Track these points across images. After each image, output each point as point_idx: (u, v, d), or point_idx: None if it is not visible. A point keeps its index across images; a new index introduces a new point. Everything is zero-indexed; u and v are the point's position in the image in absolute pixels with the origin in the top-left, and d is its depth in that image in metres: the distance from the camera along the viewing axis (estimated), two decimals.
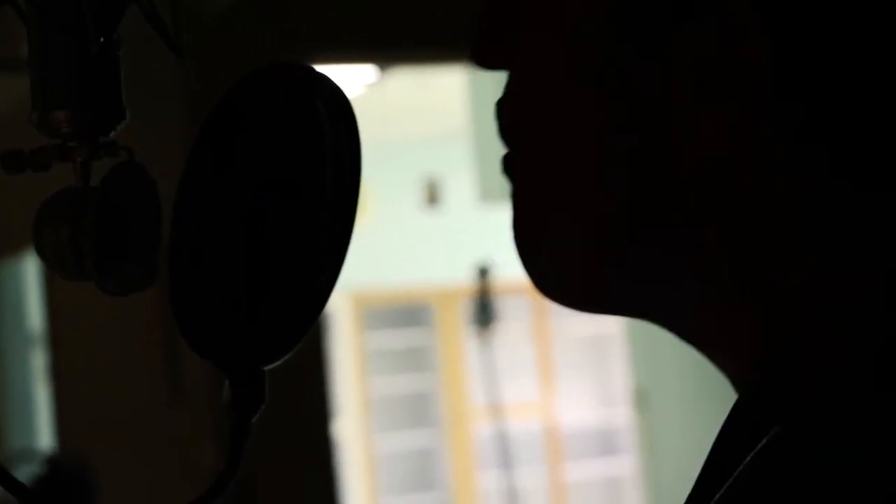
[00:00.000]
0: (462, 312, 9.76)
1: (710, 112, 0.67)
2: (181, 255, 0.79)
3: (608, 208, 0.70)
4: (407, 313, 10.18)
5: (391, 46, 5.03)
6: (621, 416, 10.01)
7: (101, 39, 0.81)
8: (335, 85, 0.81)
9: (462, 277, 8.95)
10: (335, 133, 0.81)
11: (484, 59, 0.74)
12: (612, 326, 10.05)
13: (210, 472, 4.59)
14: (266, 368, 0.80)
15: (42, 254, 0.81)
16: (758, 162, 0.68)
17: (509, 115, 0.74)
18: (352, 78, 5.49)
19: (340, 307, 9.57)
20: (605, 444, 10.49)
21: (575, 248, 0.71)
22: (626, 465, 10.14)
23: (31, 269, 7.13)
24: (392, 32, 4.95)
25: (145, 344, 5.11)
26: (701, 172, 0.68)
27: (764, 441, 0.63)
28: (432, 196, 9.87)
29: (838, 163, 0.67)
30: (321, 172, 0.80)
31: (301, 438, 4.76)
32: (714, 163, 0.68)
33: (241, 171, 0.80)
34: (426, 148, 9.79)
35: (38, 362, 7.22)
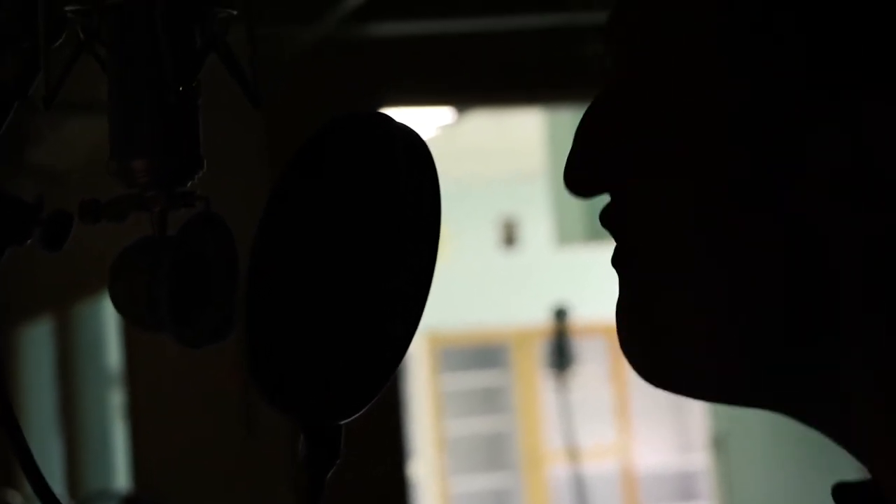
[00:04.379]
0: (539, 354, 9.73)
1: (857, 211, 0.66)
2: (256, 307, 0.78)
3: (758, 315, 0.67)
4: (483, 354, 10.16)
5: (468, 89, 5.03)
6: (699, 460, 9.91)
7: (181, 88, 0.80)
8: (415, 134, 0.80)
9: (539, 318, 8.92)
10: (414, 183, 0.80)
11: (579, 188, 0.72)
12: None
13: None
14: (342, 423, 0.78)
15: (117, 304, 0.80)
16: None
17: (628, 232, 0.71)
18: (429, 119, 5.50)
19: (416, 347, 9.56)
20: (682, 488, 10.39)
21: (720, 344, 0.68)
22: None
23: (109, 309, 7.19)
24: (469, 75, 4.96)
25: (221, 383, 5.12)
26: (853, 270, 0.66)
27: None
28: (510, 236, 9.86)
29: None
30: (400, 222, 0.79)
31: (376, 479, 4.74)
32: (865, 259, 0.66)
33: (320, 221, 0.79)
34: (503, 188, 9.79)
35: (116, 401, 7.27)
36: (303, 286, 0.79)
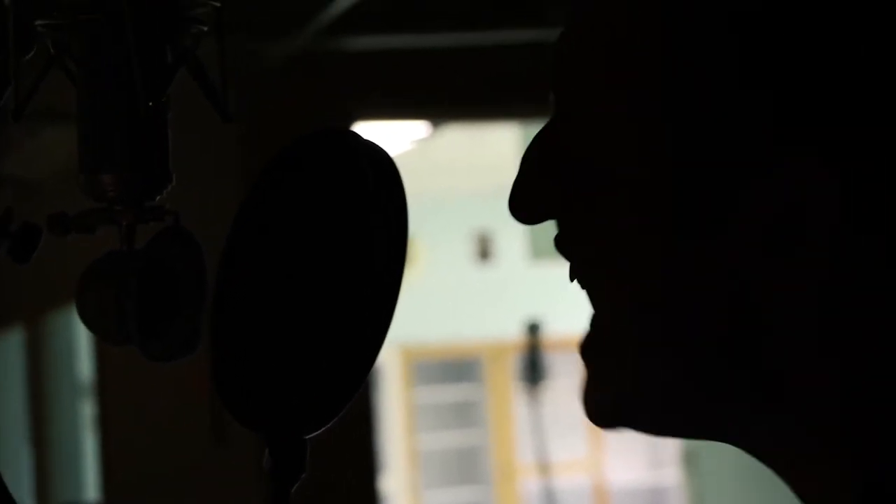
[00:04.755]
0: (511, 368, 9.73)
1: (788, 257, 0.67)
2: (223, 320, 0.79)
3: (696, 347, 0.70)
4: (456, 368, 10.15)
5: (443, 103, 5.03)
6: (670, 475, 9.93)
7: (150, 103, 0.80)
8: (381, 150, 0.81)
9: (512, 333, 8.92)
10: (382, 199, 0.80)
11: (522, 216, 0.73)
12: None
13: None
14: (308, 437, 0.79)
15: (85, 317, 0.80)
16: (838, 296, 0.68)
17: (578, 259, 0.73)
18: (404, 133, 5.50)
19: (389, 361, 9.55)
20: (653, 503, 10.40)
21: (665, 379, 0.70)
22: None
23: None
24: (444, 90, 4.96)
25: (192, 394, 5.11)
26: (781, 310, 0.68)
27: None
28: (484, 251, 9.87)
29: None
30: (367, 238, 0.80)
31: (346, 493, 4.74)
32: (793, 302, 0.68)
33: (288, 235, 0.79)
34: (478, 203, 9.80)
35: (87, 412, 7.24)
36: (270, 300, 0.79)
